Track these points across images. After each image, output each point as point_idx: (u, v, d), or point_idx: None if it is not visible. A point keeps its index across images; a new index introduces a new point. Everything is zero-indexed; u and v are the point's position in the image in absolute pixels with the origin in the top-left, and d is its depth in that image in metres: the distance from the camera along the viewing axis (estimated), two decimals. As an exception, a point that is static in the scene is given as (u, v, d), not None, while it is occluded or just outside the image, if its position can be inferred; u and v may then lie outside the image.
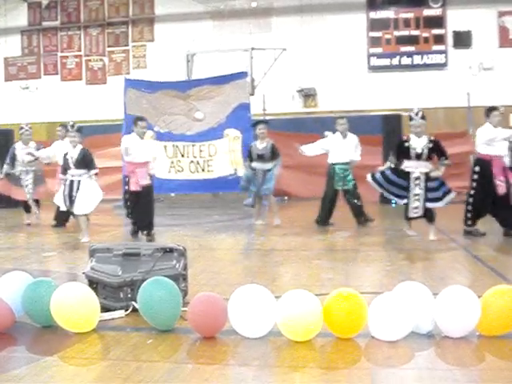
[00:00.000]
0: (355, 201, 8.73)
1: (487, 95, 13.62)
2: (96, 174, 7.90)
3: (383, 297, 3.54)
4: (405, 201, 7.27)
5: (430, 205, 7.18)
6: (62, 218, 9.31)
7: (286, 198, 13.55)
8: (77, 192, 7.75)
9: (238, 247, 7.72)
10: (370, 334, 3.48)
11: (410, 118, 7.31)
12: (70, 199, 7.76)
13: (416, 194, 7.15)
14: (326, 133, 8.94)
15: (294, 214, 9.99)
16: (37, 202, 9.92)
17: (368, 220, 8.81)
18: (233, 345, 3.48)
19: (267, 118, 13.56)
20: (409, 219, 7.44)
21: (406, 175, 7.22)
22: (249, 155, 9.27)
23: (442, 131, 13.02)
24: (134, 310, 3.96)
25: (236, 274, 5.67)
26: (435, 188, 7.18)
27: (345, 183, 8.68)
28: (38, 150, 9.71)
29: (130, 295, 4.11)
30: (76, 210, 7.83)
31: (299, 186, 13.37)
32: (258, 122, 9.50)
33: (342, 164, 8.68)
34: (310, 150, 9.05)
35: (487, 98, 13.38)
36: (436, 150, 7.23)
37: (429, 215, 7.29)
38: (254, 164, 9.06)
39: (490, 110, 7.38)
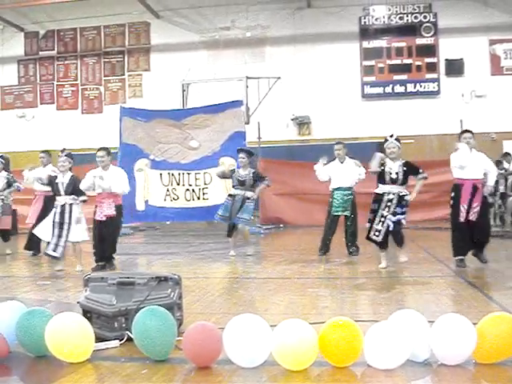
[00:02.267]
0: (353, 228, 8.70)
1: (480, 122, 13.76)
2: (84, 201, 7.77)
3: (379, 325, 3.53)
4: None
5: (393, 218, 7.15)
6: (34, 246, 9.29)
7: (281, 225, 13.56)
8: (69, 219, 7.64)
9: (233, 276, 7.69)
10: (366, 363, 3.46)
11: (385, 140, 7.44)
12: (60, 226, 7.62)
13: (382, 216, 7.16)
14: (321, 159, 8.89)
15: (289, 241, 9.98)
16: (7, 232, 9.86)
17: (357, 250, 8.72)
18: (228, 374, 3.45)
19: (262, 146, 13.66)
20: (369, 240, 7.37)
21: (379, 198, 7.27)
22: (229, 176, 9.08)
23: (434, 158, 13.12)
24: (129, 339, 3.93)
25: (231, 303, 5.65)
26: (400, 213, 7.18)
27: (344, 209, 8.67)
28: (8, 179, 9.74)
29: (124, 325, 4.09)
30: (72, 237, 7.72)
31: (294, 214, 13.41)
32: (238, 150, 9.26)
33: (342, 190, 8.69)
34: (321, 172, 8.80)
35: (480, 125, 13.52)
36: (410, 171, 7.28)
37: (397, 240, 7.30)
38: (234, 191, 8.88)
39: (460, 133, 7.44)
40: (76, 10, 16.26)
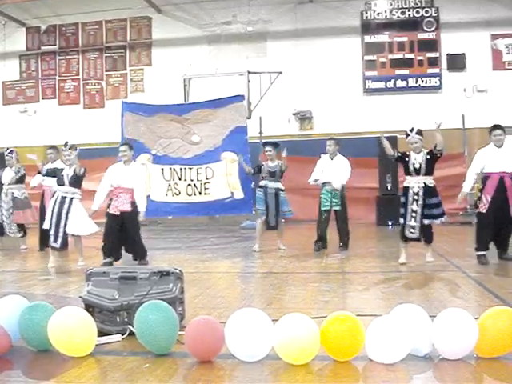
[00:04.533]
0: (342, 223, 8.71)
1: (482, 117, 13.72)
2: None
3: (380, 319, 3.53)
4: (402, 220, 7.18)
5: (426, 221, 7.09)
6: (45, 242, 9.28)
7: (283, 220, 13.52)
8: (68, 210, 7.63)
9: (234, 270, 7.71)
10: (367, 357, 3.47)
11: (406, 135, 7.35)
12: (58, 216, 7.64)
13: (413, 211, 7.05)
14: (322, 155, 8.96)
15: (291, 236, 9.97)
16: (22, 226, 9.81)
17: (346, 245, 8.72)
18: (230, 369, 3.46)
19: (263, 140, 13.60)
20: (405, 240, 7.27)
21: (406, 191, 7.17)
22: (255, 172, 9.22)
23: (437, 153, 13.08)
24: (131, 334, 3.94)
25: (233, 298, 5.66)
26: (434, 205, 7.11)
27: (334, 203, 8.66)
28: (18, 172, 9.68)
29: (126, 319, 4.10)
30: (70, 229, 7.67)
31: (296, 209, 13.36)
32: (265, 144, 9.40)
33: (331, 185, 8.68)
34: (314, 177, 8.97)
35: (482, 119, 13.48)
36: (432, 154, 7.20)
37: (427, 235, 7.22)
38: (265, 182, 8.94)
39: (490, 130, 7.30)
40: (77, 4, 16.22)
